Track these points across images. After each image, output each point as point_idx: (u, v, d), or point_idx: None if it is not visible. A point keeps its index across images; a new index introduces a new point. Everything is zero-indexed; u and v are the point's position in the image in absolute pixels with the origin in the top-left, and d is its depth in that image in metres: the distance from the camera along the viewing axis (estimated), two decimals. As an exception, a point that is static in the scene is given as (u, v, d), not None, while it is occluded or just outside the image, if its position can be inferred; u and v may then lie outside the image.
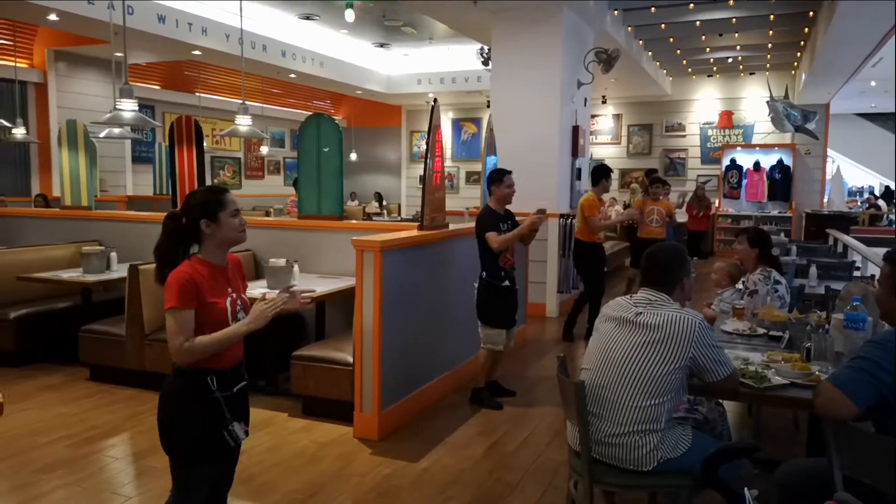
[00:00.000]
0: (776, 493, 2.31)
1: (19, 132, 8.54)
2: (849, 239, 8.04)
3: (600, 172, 6.62)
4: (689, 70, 13.70)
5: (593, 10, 7.96)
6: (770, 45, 11.33)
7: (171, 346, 2.12)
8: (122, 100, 5.14)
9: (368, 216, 13.22)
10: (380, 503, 3.27)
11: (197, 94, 13.01)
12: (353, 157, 16.38)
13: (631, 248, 8.71)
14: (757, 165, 13.99)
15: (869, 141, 18.72)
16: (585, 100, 8.56)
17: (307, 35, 11.77)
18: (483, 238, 4.48)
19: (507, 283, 4.55)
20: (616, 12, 9.06)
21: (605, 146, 15.34)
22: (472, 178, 16.26)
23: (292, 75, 12.45)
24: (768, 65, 13.04)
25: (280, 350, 4.68)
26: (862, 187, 20.29)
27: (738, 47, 11.43)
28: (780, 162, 13.87)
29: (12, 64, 9.39)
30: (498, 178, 4.63)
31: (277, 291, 2.27)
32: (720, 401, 3.05)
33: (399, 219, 13.05)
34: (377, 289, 3.93)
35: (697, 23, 9.54)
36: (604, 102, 14.76)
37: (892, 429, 2.02)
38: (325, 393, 4.24)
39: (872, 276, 5.56)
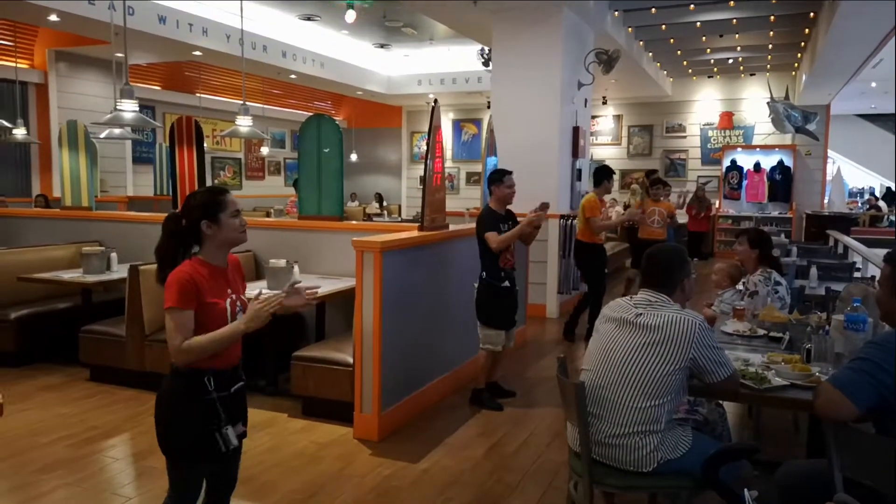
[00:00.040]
0: (776, 494, 2.31)
1: (20, 132, 8.54)
2: (849, 240, 8.04)
3: (602, 173, 6.62)
4: (690, 71, 13.71)
5: (593, 10, 7.96)
6: (770, 46, 11.33)
7: (171, 346, 2.12)
8: (122, 100, 5.14)
9: (369, 217, 13.22)
10: (380, 503, 3.27)
11: (197, 94, 13.01)
12: (354, 157, 16.38)
13: (631, 249, 8.70)
14: (757, 166, 13.99)
15: (869, 142, 18.71)
16: (586, 100, 8.56)
17: (308, 36, 11.77)
18: (483, 238, 4.48)
19: (506, 283, 4.55)
20: (616, 13, 9.06)
21: (606, 147, 15.34)
22: (472, 178, 16.26)
23: (293, 76, 12.45)
24: (769, 66, 13.04)
25: (280, 350, 4.68)
26: (862, 188, 20.28)
27: (739, 48, 11.43)
28: (780, 163, 13.87)
29: (13, 64, 9.40)
30: (498, 179, 4.63)
31: (275, 291, 2.26)
32: (720, 402, 3.05)
33: (399, 219, 13.05)
34: (377, 289, 3.93)
35: (698, 24, 9.54)
36: (604, 103, 14.76)
37: (892, 430, 2.02)
38: (326, 393, 4.24)
39: (873, 278, 5.56)
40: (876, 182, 19.94)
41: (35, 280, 5.31)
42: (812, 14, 9.19)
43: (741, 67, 13.28)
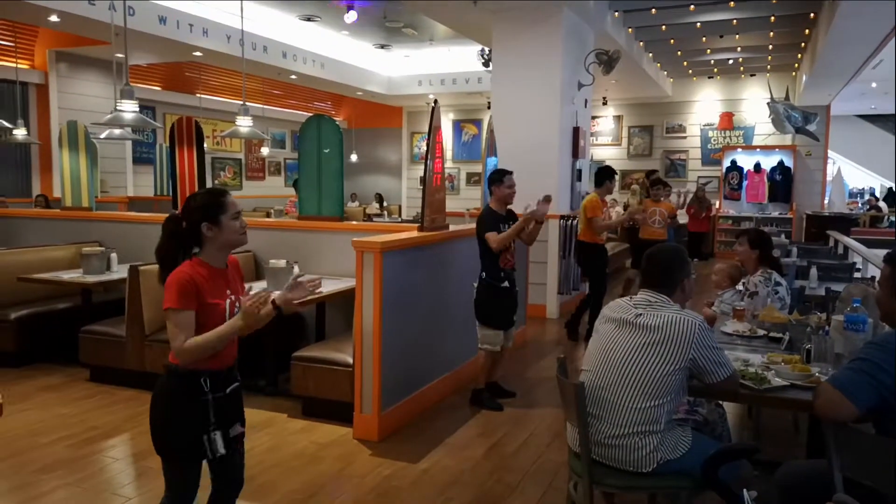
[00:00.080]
0: (776, 494, 2.31)
1: (20, 133, 8.54)
2: (849, 240, 8.04)
3: (604, 174, 6.62)
4: (690, 71, 13.71)
5: (593, 10, 7.96)
6: (771, 47, 11.34)
7: (173, 346, 2.13)
8: (122, 101, 5.15)
9: (369, 217, 13.22)
10: (380, 503, 3.27)
11: (198, 95, 13.02)
12: (354, 158, 16.38)
13: (632, 249, 8.71)
14: (758, 167, 13.99)
15: (869, 142, 18.72)
16: (586, 101, 8.57)
17: (308, 36, 11.78)
18: (483, 238, 4.48)
19: (506, 283, 4.55)
20: (616, 13, 9.06)
21: (606, 147, 15.35)
22: (472, 179, 16.26)
23: (293, 76, 12.46)
24: (769, 66, 13.04)
25: (280, 351, 4.68)
26: (862, 189, 20.28)
27: (739, 49, 11.43)
28: (780, 163, 13.87)
29: (13, 65, 9.40)
30: (498, 179, 4.63)
31: (268, 290, 2.26)
32: (720, 402, 3.05)
33: (400, 220, 13.05)
34: (377, 290, 3.93)
35: (698, 24, 9.54)
36: (604, 104, 14.76)
37: (892, 430, 2.02)
38: (325, 394, 4.24)
39: (873, 278, 5.56)
40: (876, 182, 19.94)
41: (35, 280, 5.31)
42: (812, 14, 9.19)
43: (741, 68, 13.28)
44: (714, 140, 14.59)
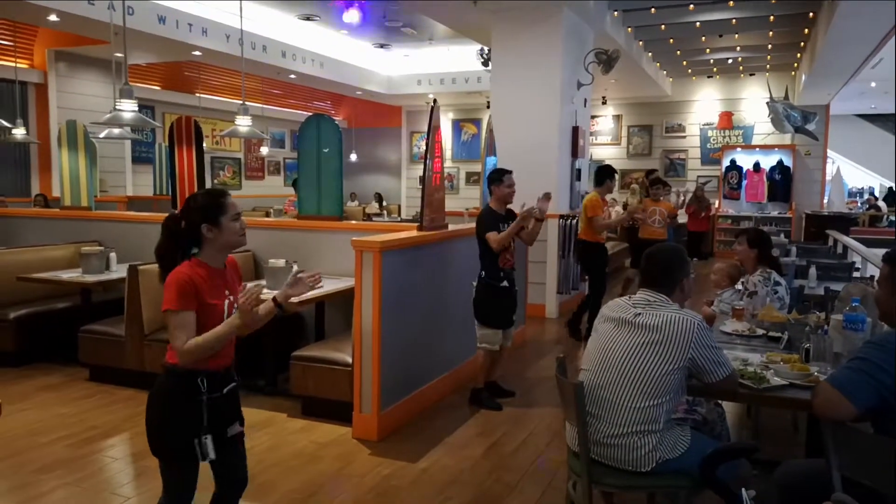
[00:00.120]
0: (775, 493, 2.31)
1: (19, 132, 8.54)
2: (848, 240, 8.04)
3: (605, 173, 6.62)
4: (689, 71, 13.71)
5: (593, 10, 7.96)
6: (770, 46, 11.34)
7: (175, 347, 2.13)
8: (122, 100, 5.14)
9: (368, 217, 13.22)
10: (379, 503, 3.27)
11: (197, 94, 13.01)
12: (353, 157, 16.38)
13: (631, 249, 8.71)
14: (757, 166, 13.99)
15: (869, 142, 18.72)
16: (585, 100, 8.56)
17: (307, 36, 11.77)
18: (483, 238, 4.48)
19: (505, 283, 4.55)
20: (616, 13, 9.06)
21: (605, 147, 15.35)
22: (471, 178, 16.26)
23: (292, 76, 12.45)
24: (768, 66, 13.04)
25: (279, 350, 4.68)
26: (862, 188, 20.29)
27: (738, 48, 11.44)
28: (780, 163, 13.88)
29: (12, 64, 9.39)
30: (498, 178, 4.63)
31: (265, 286, 2.26)
32: (719, 401, 3.05)
33: (399, 219, 13.05)
34: (376, 289, 3.93)
35: (697, 24, 9.54)
36: (604, 103, 14.77)
37: (891, 430, 2.02)
38: (325, 393, 4.24)
39: (872, 277, 5.56)
40: (875, 182, 19.95)
41: (34, 280, 5.30)
42: (811, 14, 9.20)
43: (741, 67, 13.28)
44: (713, 139, 14.59)
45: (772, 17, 9.32)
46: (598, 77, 8.63)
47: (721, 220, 14.02)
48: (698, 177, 14.49)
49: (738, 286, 4.09)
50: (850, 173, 19.07)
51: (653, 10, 9.14)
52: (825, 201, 14.21)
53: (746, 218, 13.67)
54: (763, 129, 13.87)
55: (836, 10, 7.23)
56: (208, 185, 9.97)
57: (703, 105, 14.65)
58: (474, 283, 4.58)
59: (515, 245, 4.69)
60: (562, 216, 7.51)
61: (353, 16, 9.80)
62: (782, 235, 9.69)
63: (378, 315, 3.94)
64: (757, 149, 14.04)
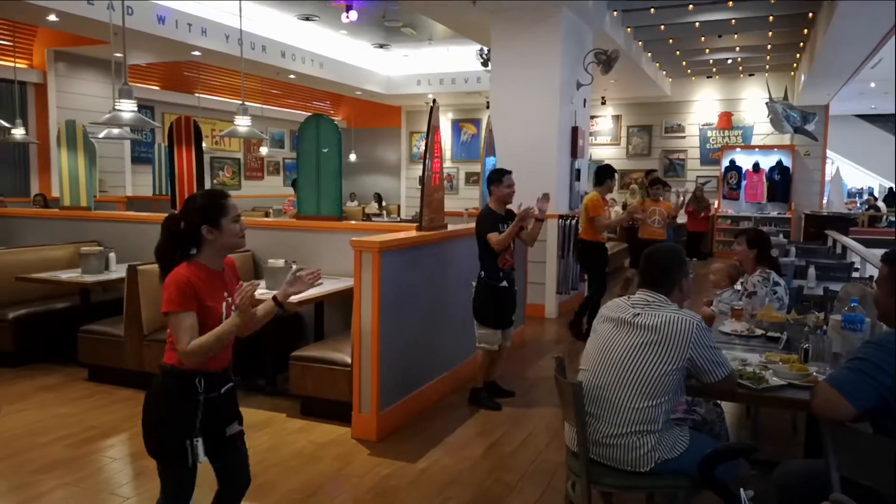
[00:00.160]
0: (774, 493, 2.31)
1: (19, 132, 8.53)
2: (847, 240, 8.05)
3: (605, 173, 6.63)
4: (689, 71, 13.71)
5: (592, 10, 7.96)
6: (769, 47, 11.34)
7: (178, 348, 2.12)
8: (121, 100, 5.14)
9: (368, 217, 13.22)
10: (378, 503, 3.27)
11: (196, 94, 13.01)
12: (353, 157, 16.38)
13: (630, 249, 8.71)
14: (756, 167, 14.00)
15: (868, 142, 18.73)
16: (585, 101, 8.57)
17: (307, 36, 11.77)
18: (483, 239, 4.48)
19: (504, 283, 4.55)
20: (615, 13, 9.06)
21: (605, 147, 15.35)
22: (471, 178, 16.26)
23: (292, 76, 12.45)
24: (768, 66, 13.05)
25: (279, 350, 4.68)
26: (861, 188, 20.31)
27: (738, 48, 11.44)
28: (779, 163, 13.88)
29: (12, 64, 9.38)
30: (497, 179, 4.63)
31: (260, 285, 2.26)
32: (718, 402, 3.05)
33: (398, 219, 13.05)
34: (376, 289, 3.93)
35: (697, 24, 9.54)
36: (603, 103, 14.77)
37: (890, 430, 2.02)
38: (324, 393, 4.24)
39: (871, 278, 5.56)
40: (875, 182, 19.96)
41: (33, 280, 5.30)
42: (811, 14, 9.20)
43: (740, 68, 13.29)
44: (713, 140, 14.59)
45: (771, 18, 9.33)
46: (597, 77, 8.63)
47: (720, 220, 14.02)
48: (698, 177, 14.49)
49: (738, 286, 4.10)
50: (850, 174, 19.10)
51: (652, 10, 9.15)
52: (824, 202, 14.22)
53: (746, 218, 13.68)
54: (762, 129, 13.88)
55: (835, 11, 7.23)
56: (208, 185, 9.99)
57: (702, 105, 14.66)
58: (473, 283, 4.58)
59: (515, 245, 4.69)
60: (561, 216, 7.51)
61: (351, 15, 9.79)
62: (781, 236, 9.70)
63: (377, 315, 3.94)
64: (756, 149, 14.05)
